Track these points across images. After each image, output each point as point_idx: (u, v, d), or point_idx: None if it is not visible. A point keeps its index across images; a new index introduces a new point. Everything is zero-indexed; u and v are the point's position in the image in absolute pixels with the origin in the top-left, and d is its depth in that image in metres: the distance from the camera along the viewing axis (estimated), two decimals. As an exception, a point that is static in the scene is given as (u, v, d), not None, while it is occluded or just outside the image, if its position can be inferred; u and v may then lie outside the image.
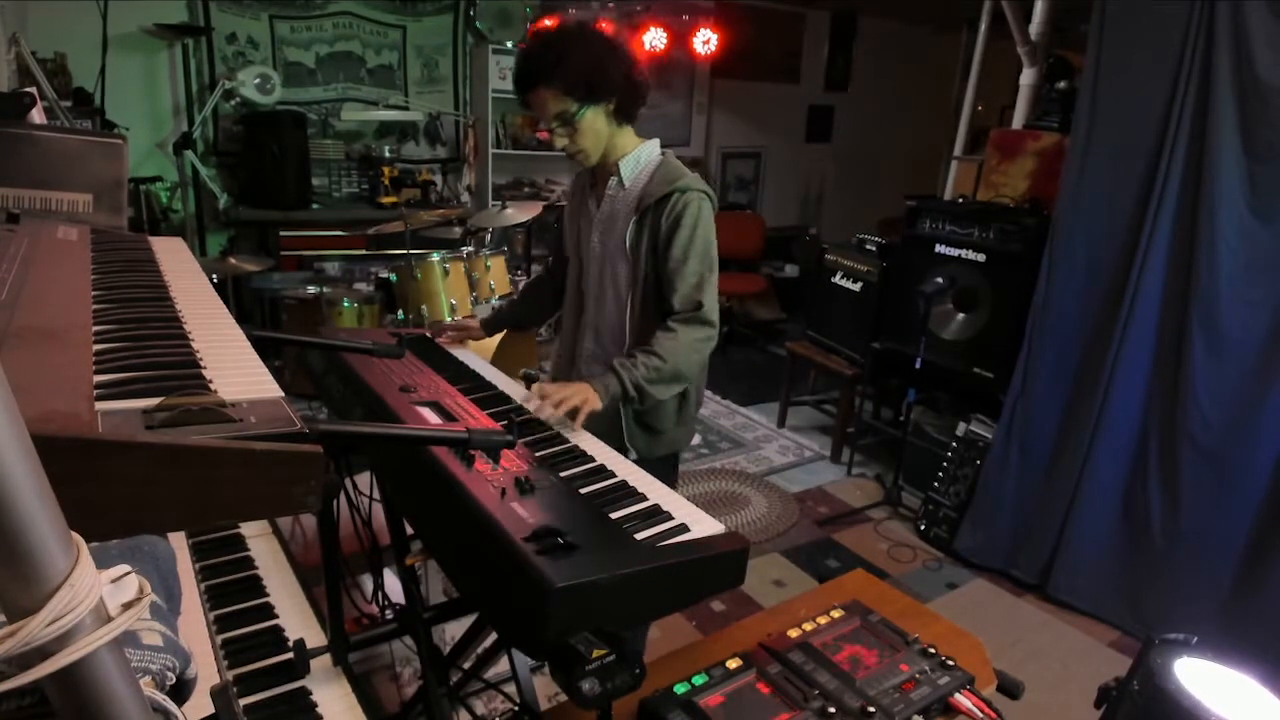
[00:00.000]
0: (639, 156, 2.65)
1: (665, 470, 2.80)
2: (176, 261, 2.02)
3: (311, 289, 5.98)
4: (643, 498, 1.87)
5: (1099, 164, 4.07)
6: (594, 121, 2.52)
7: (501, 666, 2.57)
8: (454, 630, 3.02)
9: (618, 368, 2.41)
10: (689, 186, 2.53)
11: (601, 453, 2.11)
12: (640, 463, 2.28)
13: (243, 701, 1.77)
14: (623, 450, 2.59)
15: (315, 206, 6.83)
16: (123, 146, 2.38)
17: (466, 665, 2.48)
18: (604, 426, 2.48)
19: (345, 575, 2.05)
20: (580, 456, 2.07)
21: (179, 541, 2.12)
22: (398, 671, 3.25)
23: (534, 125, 8.19)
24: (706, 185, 2.58)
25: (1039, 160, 5.01)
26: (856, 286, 5.72)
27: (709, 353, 2.58)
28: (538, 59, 2.45)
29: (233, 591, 2.16)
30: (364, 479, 2.31)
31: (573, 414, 2.26)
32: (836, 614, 2.03)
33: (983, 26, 5.85)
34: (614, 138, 2.60)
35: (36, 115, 2.53)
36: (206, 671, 1.70)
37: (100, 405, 1.04)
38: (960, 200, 5.34)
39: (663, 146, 2.69)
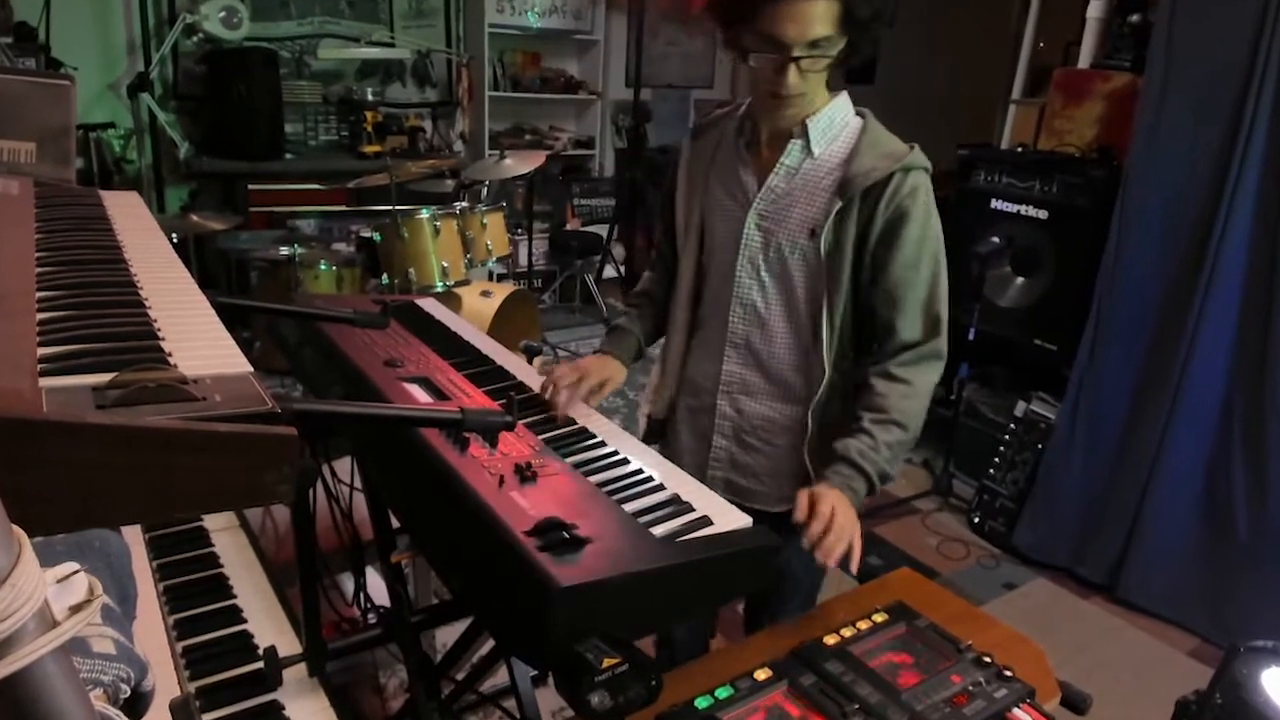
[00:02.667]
0: (833, 116, 2.22)
1: None
2: (131, 219, 2.02)
3: (284, 250, 5.97)
4: (660, 486, 1.87)
5: (1177, 108, 4.04)
6: (827, 70, 2.11)
7: (500, 677, 2.57)
8: (446, 636, 3.03)
9: (855, 458, 2.08)
10: (915, 164, 2.15)
11: (613, 435, 2.10)
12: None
13: (206, 717, 1.77)
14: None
15: (288, 157, 6.84)
16: (70, 89, 2.37)
17: (460, 676, 2.49)
18: (778, 490, 2.35)
19: (323, 574, 2.05)
20: (589, 439, 2.07)
21: (134, 536, 2.12)
22: (382, 683, 3.26)
23: (536, 63, 8.17)
24: (926, 159, 2.19)
25: (1108, 104, 4.97)
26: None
27: None
28: None
29: (195, 593, 2.16)
30: (344, 465, 2.32)
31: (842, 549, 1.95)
32: (879, 618, 2.02)
33: (1046, -50, 5.80)
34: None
35: (-29, 53, 2.52)
36: (165, 683, 1.70)
37: (45, 381, 1.04)
38: (1019, 149, 5.30)
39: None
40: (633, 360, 2.53)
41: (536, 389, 2.31)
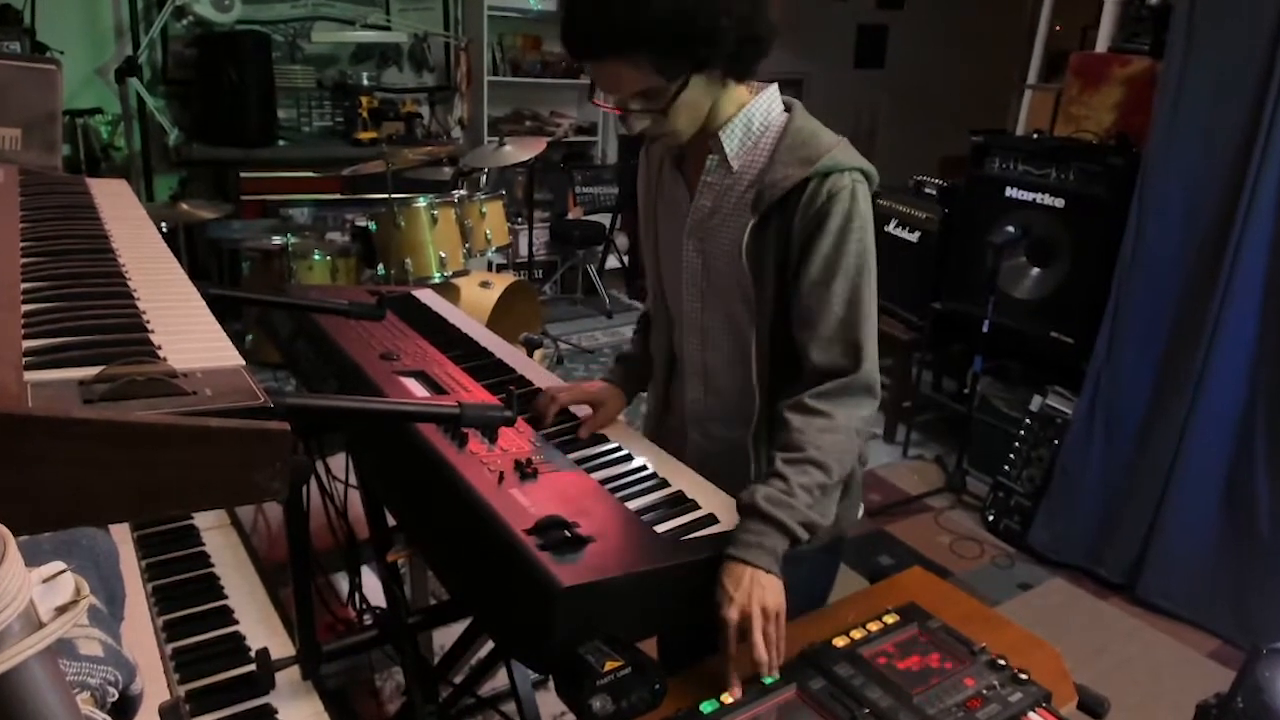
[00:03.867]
0: (749, 121, 2.01)
1: (824, 566, 2.40)
2: (119, 207, 2.02)
3: (277, 239, 5.99)
4: (664, 483, 1.87)
5: (1197, 93, 4.03)
6: (694, 95, 1.89)
7: (499, 680, 2.57)
8: (444, 638, 3.03)
9: (764, 506, 1.77)
10: (837, 165, 1.91)
11: (616, 431, 2.10)
12: (792, 561, 1.93)
13: (197, 720, 1.77)
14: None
15: (281, 143, 6.84)
16: (56, 73, 2.38)
17: (458, 679, 2.49)
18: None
19: (317, 574, 2.05)
20: (591, 435, 2.07)
21: (122, 535, 2.13)
22: (378, 686, 3.27)
23: (537, 47, 8.17)
24: (861, 158, 1.96)
25: (1127, 89, 4.96)
26: (914, 237, 5.69)
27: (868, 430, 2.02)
28: (602, 12, 1.79)
29: (185, 593, 2.16)
30: (338, 462, 2.31)
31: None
32: (890, 619, 2.02)
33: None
34: (717, 103, 1.98)
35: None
36: (154, 686, 1.71)
37: (30, 375, 1.04)
38: (1035, 136, 5.29)
39: None
40: (639, 389, 2.43)
41: (537, 383, 2.31)
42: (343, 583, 2.72)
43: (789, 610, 1.79)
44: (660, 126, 1.92)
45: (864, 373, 1.91)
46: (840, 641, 1.90)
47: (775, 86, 2.05)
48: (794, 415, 1.91)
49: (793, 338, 1.99)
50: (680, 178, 2.14)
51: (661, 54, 1.78)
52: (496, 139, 5.91)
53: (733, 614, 1.69)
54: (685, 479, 1.91)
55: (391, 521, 2.31)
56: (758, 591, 1.71)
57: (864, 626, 1.96)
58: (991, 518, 4.90)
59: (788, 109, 2.05)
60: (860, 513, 2.28)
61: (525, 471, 1.76)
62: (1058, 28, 6.12)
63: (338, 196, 6.81)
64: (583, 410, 2.21)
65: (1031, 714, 1.75)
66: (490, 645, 2.40)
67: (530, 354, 2.56)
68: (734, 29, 1.80)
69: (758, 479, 1.88)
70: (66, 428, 0.88)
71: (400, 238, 5.15)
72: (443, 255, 5.25)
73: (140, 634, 1.88)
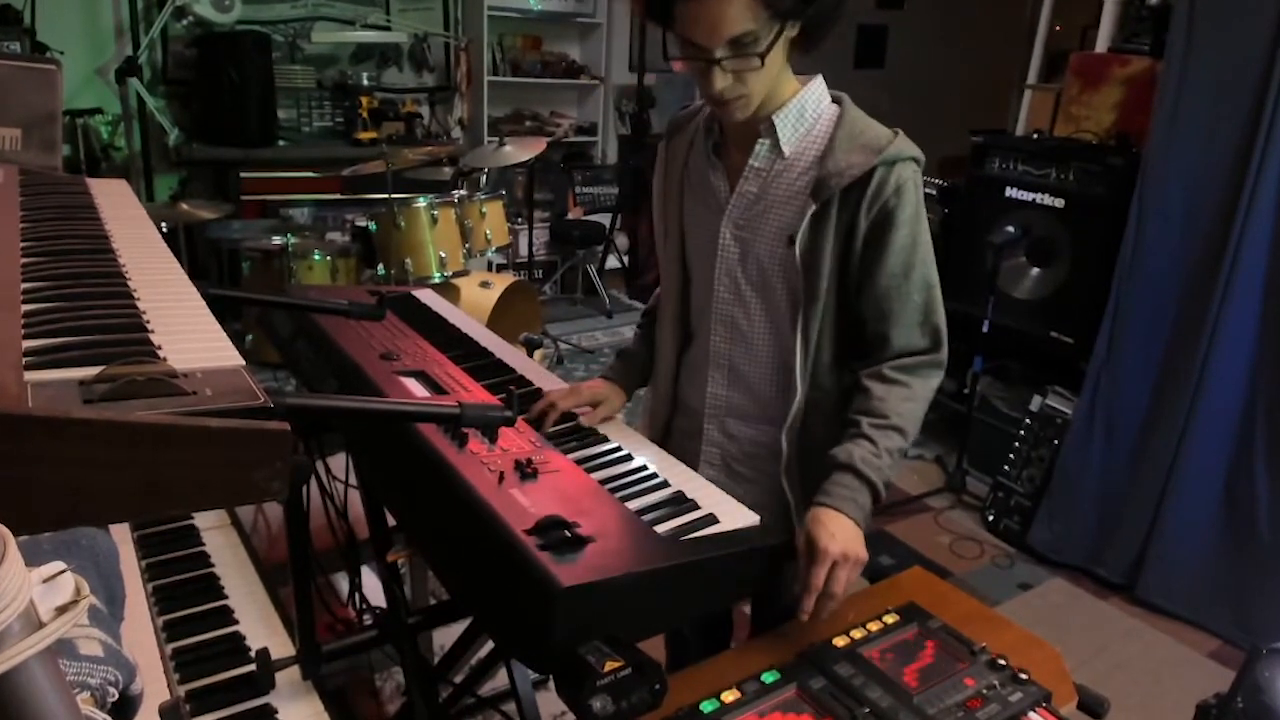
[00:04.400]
0: (802, 107, 2.02)
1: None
2: (119, 207, 2.02)
3: (277, 239, 6.00)
4: (664, 483, 1.87)
5: (1197, 93, 4.03)
6: (777, 55, 1.87)
7: (499, 680, 2.57)
8: (444, 638, 3.03)
9: (860, 466, 1.90)
10: (900, 154, 1.96)
11: (616, 431, 2.10)
12: None
13: (197, 720, 1.78)
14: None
15: (281, 143, 6.84)
16: (56, 73, 2.37)
17: (458, 679, 2.49)
18: (771, 516, 1.98)
19: (317, 574, 2.05)
20: (591, 436, 2.07)
21: (122, 535, 2.13)
22: (378, 686, 3.26)
23: (537, 47, 8.16)
24: (915, 146, 2.02)
25: (1127, 89, 4.96)
26: (913, 237, 5.67)
27: None
28: None
29: (185, 593, 2.16)
30: (338, 462, 2.31)
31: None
32: (890, 619, 2.02)
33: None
34: (775, 83, 1.97)
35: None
36: (154, 686, 1.71)
37: (30, 375, 1.04)
38: (1035, 136, 5.30)
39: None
40: (638, 386, 2.43)
41: (537, 383, 2.31)
42: (343, 583, 2.72)
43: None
44: (739, 88, 1.88)
45: (942, 352, 2.03)
46: (840, 641, 1.90)
47: (820, 76, 2.07)
48: (876, 384, 1.99)
49: (839, 326, 2.04)
50: (719, 165, 2.12)
51: None
52: (496, 139, 5.91)
53: (835, 548, 1.79)
54: (685, 479, 1.91)
55: (391, 521, 2.31)
56: (854, 540, 1.84)
57: (864, 626, 1.96)
58: (991, 518, 4.90)
59: (837, 100, 2.08)
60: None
61: (525, 471, 1.76)
62: (1058, 28, 6.11)
63: (338, 196, 6.82)
64: (582, 412, 2.21)
65: (1031, 714, 1.75)
66: (490, 645, 2.40)
67: (530, 354, 2.56)
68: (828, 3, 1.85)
69: (828, 446, 1.98)
70: (66, 428, 0.88)
71: (400, 238, 5.15)
72: (443, 255, 5.25)
73: (140, 634, 1.88)
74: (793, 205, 1.99)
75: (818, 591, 1.79)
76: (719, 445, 2.26)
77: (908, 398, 1.98)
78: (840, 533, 1.82)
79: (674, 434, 2.39)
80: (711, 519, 1.74)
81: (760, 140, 2.03)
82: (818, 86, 2.05)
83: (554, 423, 2.13)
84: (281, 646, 1.98)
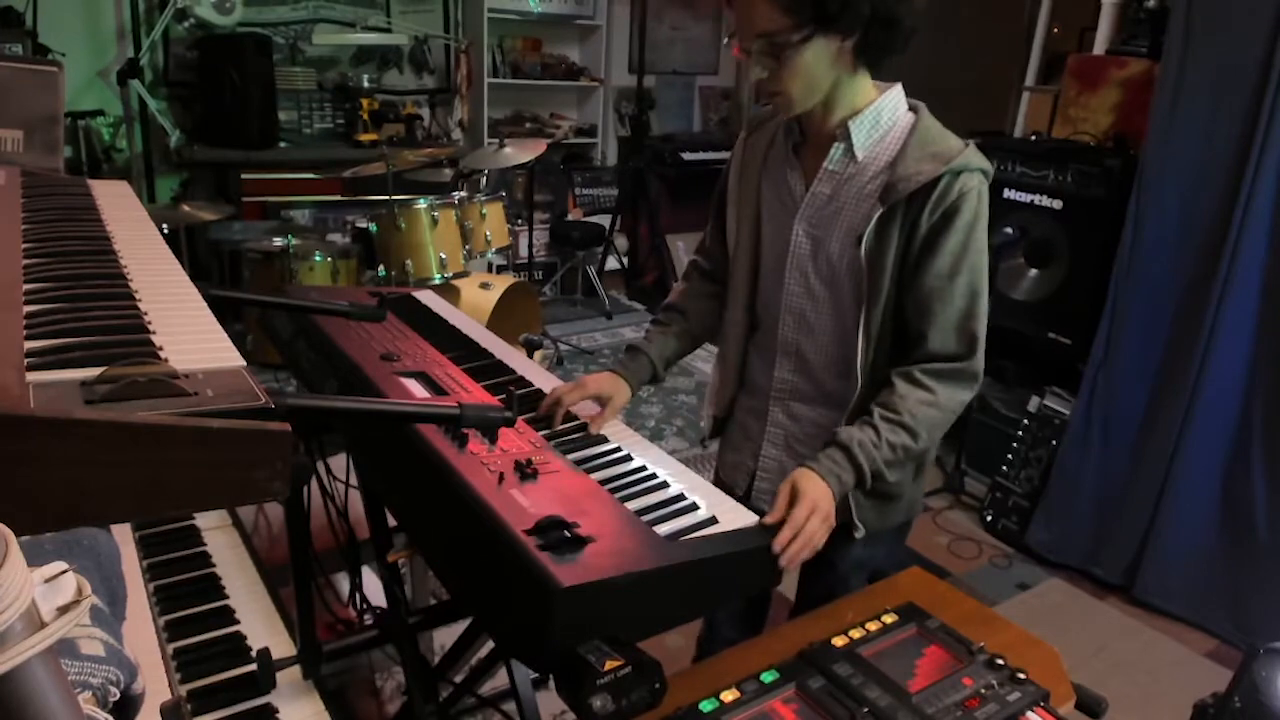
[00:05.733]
0: (879, 115, 2.10)
1: (896, 544, 2.47)
2: (121, 209, 2.02)
3: (278, 241, 5.99)
4: (664, 484, 1.87)
5: (1194, 95, 4.03)
6: (816, 60, 1.95)
7: (499, 680, 2.57)
8: (444, 638, 3.03)
9: (854, 448, 1.98)
10: (968, 165, 2.01)
11: (616, 432, 2.10)
12: (868, 540, 2.27)
13: (198, 720, 1.78)
14: (847, 532, 2.20)
15: (282, 145, 6.83)
16: (58, 75, 2.38)
17: (458, 678, 2.49)
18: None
19: (317, 574, 2.05)
20: (591, 436, 2.07)
21: (124, 535, 2.13)
22: (379, 686, 3.26)
23: (537, 49, 8.17)
24: (986, 160, 2.07)
25: (1124, 91, 4.96)
26: (912, 238, 5.68)
27: None
28: None
29: (186, 593, 2.17)
30: (339, 462, 2.31)
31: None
32: (889, 619, 2.02)
33: (1061, -68, 5.80)
34: (840, 87, 2.05)
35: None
36: (156, 686, 1.70)
37: (32, 376, 1.04)
38: (1032, 138, 5.30)
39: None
40: (645, 382, 2.43)
41: (537, 384, 2.31)
42: (343, 583, 2.72)
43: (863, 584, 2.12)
44: (776, 83, 1.98)
45: (975, 361, 2.08)
46: (839, 641, 1.90)
47: (899, 88, 2.15)
48: (900, 382, 2.05)
49: (900, 326, 2.11)
50: (797, 164, 2.20)
51: None
52: (496, 141, 5.92)
53: (809, 497, 1.87)
54: (685, 480, 1.91)
55: (392, 522, 2.31)
56: (825, 497, 1.90)
57: (863, 626, 1.96)
58: (990, 518, 4.90)
59: (913, 109, 2.15)
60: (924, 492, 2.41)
61: (525, 472, 1.76)
62: (1055, 30, 6.12)
63: (338, 198, 6.81)
64: (587, 407, 2.21)
65: (1030, 713, 1.75)
66: (490, 645, 2.40)
67: (530, 355, 2.55)
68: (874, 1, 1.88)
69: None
70: (68, 428, 0.88)
71: (401, 239, 5.15)
72: (443, 256, 5.25)
73: (142, 634, 1.88)
74: (862, 207, 2.07)
75: (796, 528, 1.82)
76: (783, 426, 2.35)
77: (929, 403, 2.03)
78: (813, 489, 1.89)
79: (738, 412, 2.48)
80: (711, 520, 1.74)
81: (836, 144, 2.10)
82: (895, 95, 2.13)
83: (562, 420, 2.15)
84: (282, 646, 1.99)
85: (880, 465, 1.99)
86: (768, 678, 1.77)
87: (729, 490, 2.18)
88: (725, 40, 2.01)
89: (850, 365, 2.15)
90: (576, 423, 2.13)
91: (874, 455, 1.98)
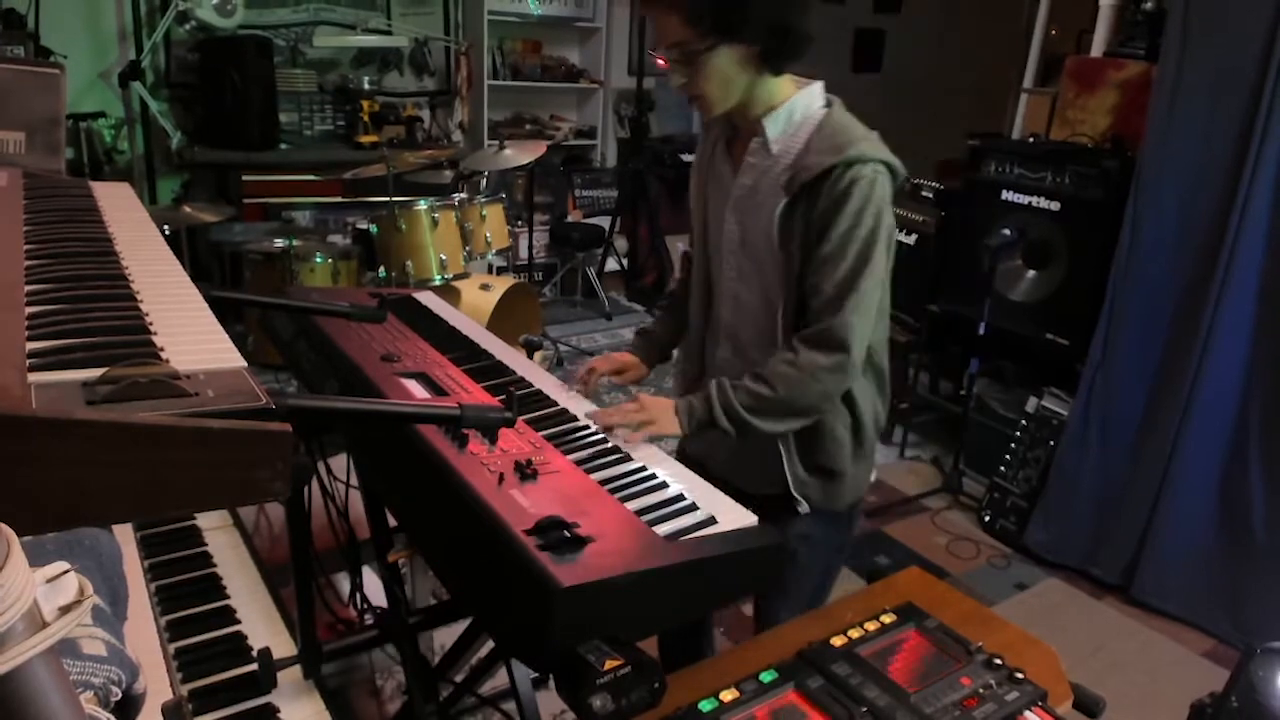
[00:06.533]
0: (792, 111, 2.23)
1: (843, 529, 2.57)
2: (122, 210, 2.02)
3: (279, 242, 5.99)
4: (663, 484, 1.87)
5: (1192, 98, 4.03)
6: (723, 65, 2.11)
7: (499, 680, 2.57)
8: (444, 638, 3.03)
9: (712, 389, 2.18)
10: (862, 156, 2.11)
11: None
12: (816, 517, 2.41)
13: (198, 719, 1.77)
14: (790, 507, 2.40)
15: (283, 147, 6.83)
16: (60, 77, 2.38)
17: (459, 678, 2.49)
18: (757, 468, 2.39)
19: (318, 574, 2.05)
20: (591, 437, 2.06)
21: (125, 535, 2.12)
22: (379, 685, 3.26)
23: (537, 51, 8.17)
24: (889, 153, 2.18)
25: (1122, 93, 4.96)
26: (910, 239, 5.69)
27: (839, 387, 2.23)
28: None
29: (188, 593, 2.16)
30: (339, 463, 2.31)
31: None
32: (887, 619, 2.02)
33: (1059, -65, 5.80)
34: (756, 87, 2.19)
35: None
36: (157, 685, 1.71)
37: (34, 377, 1.04)
38: (1031, 139, 5.31)
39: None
40: (659, 361, 2.72)
41: (537, 384, 2.31)
42: (344, 583, 2.72)
43: (797, 576, 2.34)
44: (693, 87, 2.16)
45: (837, 323, 2.14)
46: (838, 641, 1.90)
47: (820, 84, 2.28)
48: (776, 353, 2.23)
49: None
50: (728, 157, 2.37)
51: (693, 8, 2.03)
52: (496, 142, 5.91)
53: (647, 402, 2.17)
54: (685, 480, 1.91)
55: (392, 522, 2.31)
56: (659, 405, 2.17)
57: (862, 626, 1.96)
58: (988, 518, 4.90)
59: (828, 105, 2.28)
60: (873, 477, 2.54)
61: (525, 472, 1.76)
62: (1054, 32, 6.12)
63: (339, 199, 6.81)
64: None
65: (1028, 713, 1.75)
66: (490, 645, 2.40)
67: (530, 355, 2.56)
68: (766, 12, 2.06)
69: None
70: (70, 429, 0.88)
71: (401, 240, 5.15)
72: (443, 258, 5.25)
73: (143, 633, 1.88)
74: (775, 197, 2.20)
75: (618, 415, 2.13)
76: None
77: (788, 362, 2.16)
78: (654, 405, 2.16)
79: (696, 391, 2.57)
80: (711, 520, 1.74)
81: (755, 138, 2.26)
82: (810, 92, 2.26)
83: (596, 382, 2.51)
84: (283, 646, 1.99)
85: (735, 406, 2.15)
86: (767, 677, 1.77)
87: (700, 468, 2.21)
88: (650, 52, 2.27)
89: (776, 347, 2.30)
90: (576, 423, 2.13)
91: (728, 395, 2.16)
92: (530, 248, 7.69)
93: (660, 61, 2.20)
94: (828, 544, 2.45)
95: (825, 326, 2.16)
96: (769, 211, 2.22)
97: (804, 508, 2.39)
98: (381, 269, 5.27)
